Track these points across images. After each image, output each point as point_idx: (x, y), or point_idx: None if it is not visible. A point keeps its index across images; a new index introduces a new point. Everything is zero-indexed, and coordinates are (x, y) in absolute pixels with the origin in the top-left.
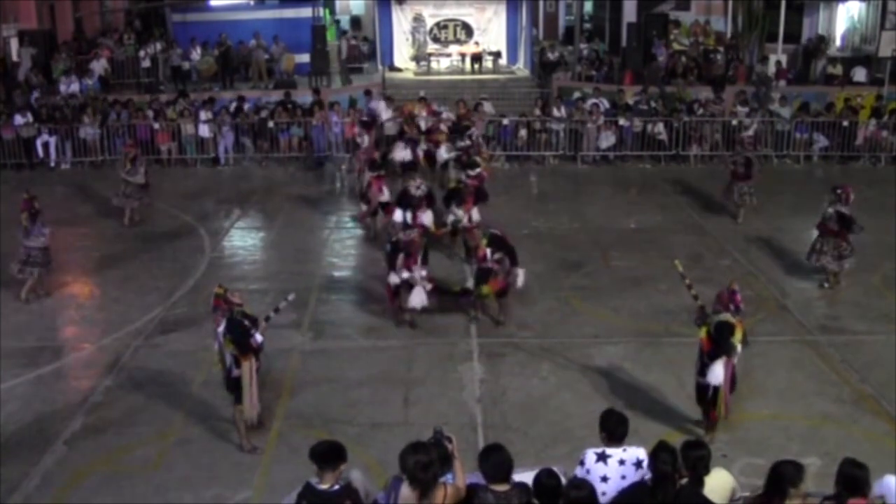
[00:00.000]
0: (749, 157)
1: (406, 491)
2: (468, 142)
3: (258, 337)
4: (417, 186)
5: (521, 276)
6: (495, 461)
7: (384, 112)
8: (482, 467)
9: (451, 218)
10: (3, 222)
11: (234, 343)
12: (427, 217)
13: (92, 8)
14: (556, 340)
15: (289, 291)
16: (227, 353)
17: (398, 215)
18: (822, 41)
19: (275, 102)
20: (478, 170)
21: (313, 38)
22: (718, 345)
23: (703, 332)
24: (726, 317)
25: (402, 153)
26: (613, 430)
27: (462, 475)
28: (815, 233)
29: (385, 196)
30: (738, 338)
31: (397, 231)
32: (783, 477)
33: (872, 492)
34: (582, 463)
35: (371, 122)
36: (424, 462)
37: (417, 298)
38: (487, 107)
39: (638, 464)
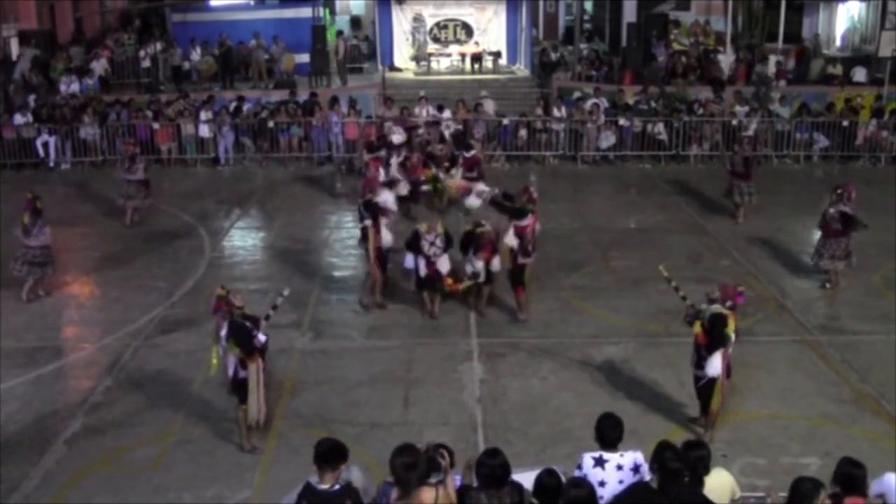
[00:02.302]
0: (748, 156)
1: (396, 494)
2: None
3: (261, 336)
4: (432, 242)
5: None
6: (489, 469)
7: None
8: (477, 473)
9: (468, 269)
10: (4, 222)
11: (239, 345)
12: (443, 263)
13: (92, 8)
14: (556, 340)
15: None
16: (232, 357)
17: (409, 261)
18: (799, 42)
19: (276, 102)
20: (473, 151)
21: (313, 38)
22: (714, 337)
23: (697, 327)
24: (718, 308)
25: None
26: (606, 435)
27: (453, 491)
28: (817, 234)
29: (381, 176)
30: (731, 328)
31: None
32: (801, 494)
33: (872, 490)
34: (579, 467)
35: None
36: (408, 462)
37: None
38: (488, 105)
39: (636, 468)
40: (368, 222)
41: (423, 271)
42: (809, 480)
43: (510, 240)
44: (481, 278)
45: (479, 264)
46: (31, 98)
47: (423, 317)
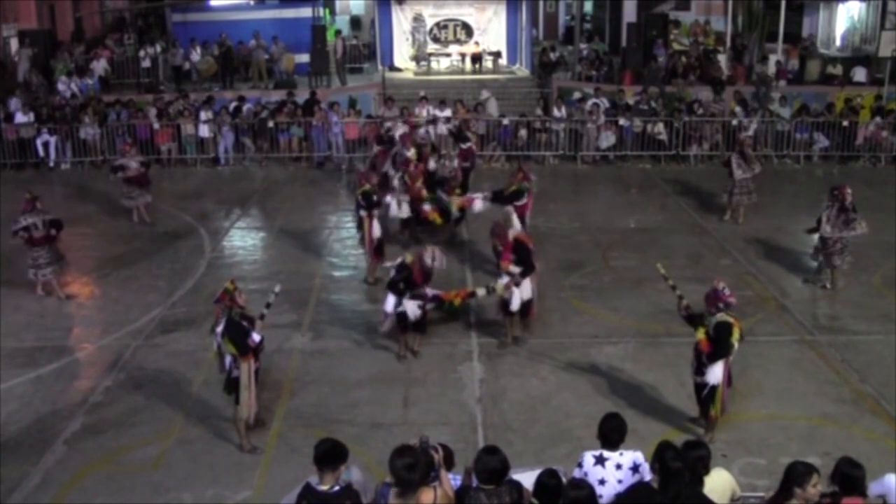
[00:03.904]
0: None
1: (395, 496)
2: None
3: (255, 336)
4: (433, 257)
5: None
6: (488, 466)
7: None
8: (476, 469)
9: (480, 292)
10: (4, 222)
11: (234, 344)
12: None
13: (92, 8)
14: (556, 340)
15: (288, 291)
16: (227, 355)
17: (389, 304)
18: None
19: (276, 102)
20: (469, 143)
21: (313, 38)
22: (718, 346)
23: (701, 334)
24: (723, 317)
25: (396, 209)
26: (608, 436)
27: (448, 485)
28: (815, 235)
29: (388, 167)
30: (735, 337)
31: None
32: (790, 476)
33: (872, 491)
34: (580, 465)
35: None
36: (410, 463)
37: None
38: (491, 105)
39: (635, 468)
40: (364, 212)
41: (413, 312)
42: (802, 464)
43: (516, 223)
44: (513, 307)
45: (499, 285)
46: (13, 102)
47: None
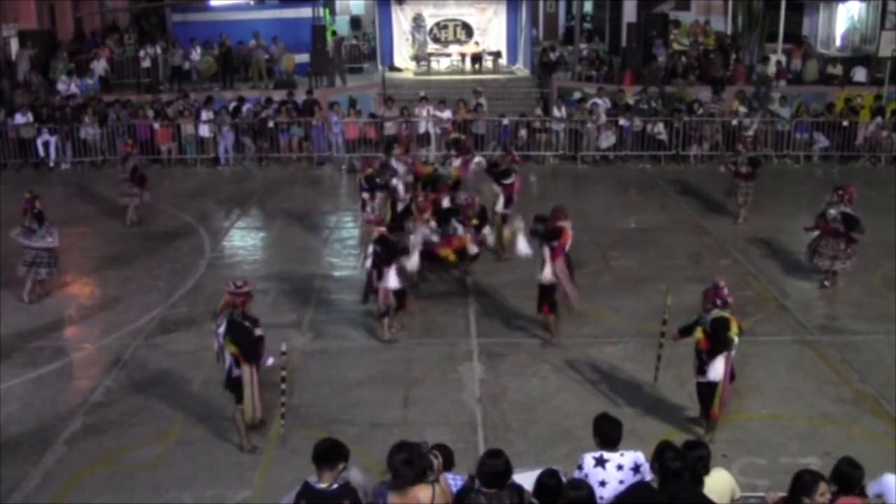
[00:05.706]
0: (752, 157)
1: (392, 495)
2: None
3: (270, 360)
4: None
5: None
6: (491, 469)
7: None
8: (479, 472)
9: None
10: (4, 222)
11: (236, 344)
12: (392, 279)
13: (92, 8)
14: None
15: (288, 291)
16: (227, 354)
17: (392, 280)
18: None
19: (276, 102)
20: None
21: (313, 38)
22: (716, 342)
23: (699, 333)
24: (719, 313)
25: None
26: (608, 436)
27: (447, 491)
28: (815, 233)
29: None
30: (734, 331)
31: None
32: (797, 486)
33: (871, 490)
34: (580, 467)
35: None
36: (407, 458)
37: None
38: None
39: (636, 468)
40: (367, 195)
41: (414, 263)
42: (809, 472)
43: (500, 205)
44: (519, 249)
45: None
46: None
47: (421, 316)
